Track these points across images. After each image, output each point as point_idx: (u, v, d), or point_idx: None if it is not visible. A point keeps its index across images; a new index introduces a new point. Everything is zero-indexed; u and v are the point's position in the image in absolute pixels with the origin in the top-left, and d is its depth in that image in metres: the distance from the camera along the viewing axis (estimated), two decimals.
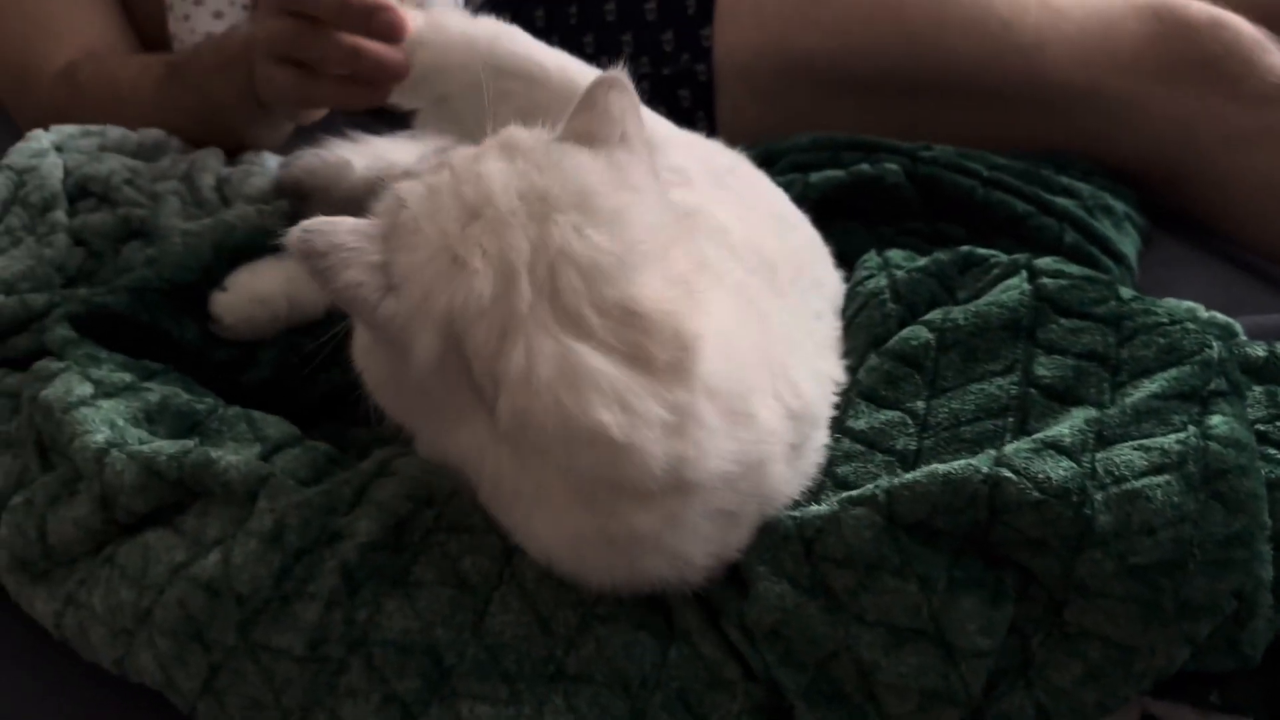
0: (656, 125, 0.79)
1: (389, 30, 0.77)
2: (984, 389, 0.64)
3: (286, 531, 0.59)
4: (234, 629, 0.58)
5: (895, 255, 0.79)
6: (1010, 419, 0.62)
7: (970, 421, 0.63)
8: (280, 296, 0.77)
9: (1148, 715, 0.57)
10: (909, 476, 0.58)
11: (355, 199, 0.71)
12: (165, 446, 0.64)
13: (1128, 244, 0.94)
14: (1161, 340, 0.63)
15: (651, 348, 0.53)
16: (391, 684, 0.56)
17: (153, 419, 0.68)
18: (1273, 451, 0.60)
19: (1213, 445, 0.57)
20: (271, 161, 0.97)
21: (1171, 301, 0.69)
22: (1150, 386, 0.61)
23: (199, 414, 0.69)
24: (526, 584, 0.58)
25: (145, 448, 0.64)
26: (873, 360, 0.68)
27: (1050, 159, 1.02)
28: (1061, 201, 0.93)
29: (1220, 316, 0.68)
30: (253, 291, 0.77)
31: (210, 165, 0.94)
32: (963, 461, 0.58)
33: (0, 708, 0.63)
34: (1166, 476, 0.55)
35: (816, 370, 0.66)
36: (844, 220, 0.91)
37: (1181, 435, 0.57)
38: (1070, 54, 1.01)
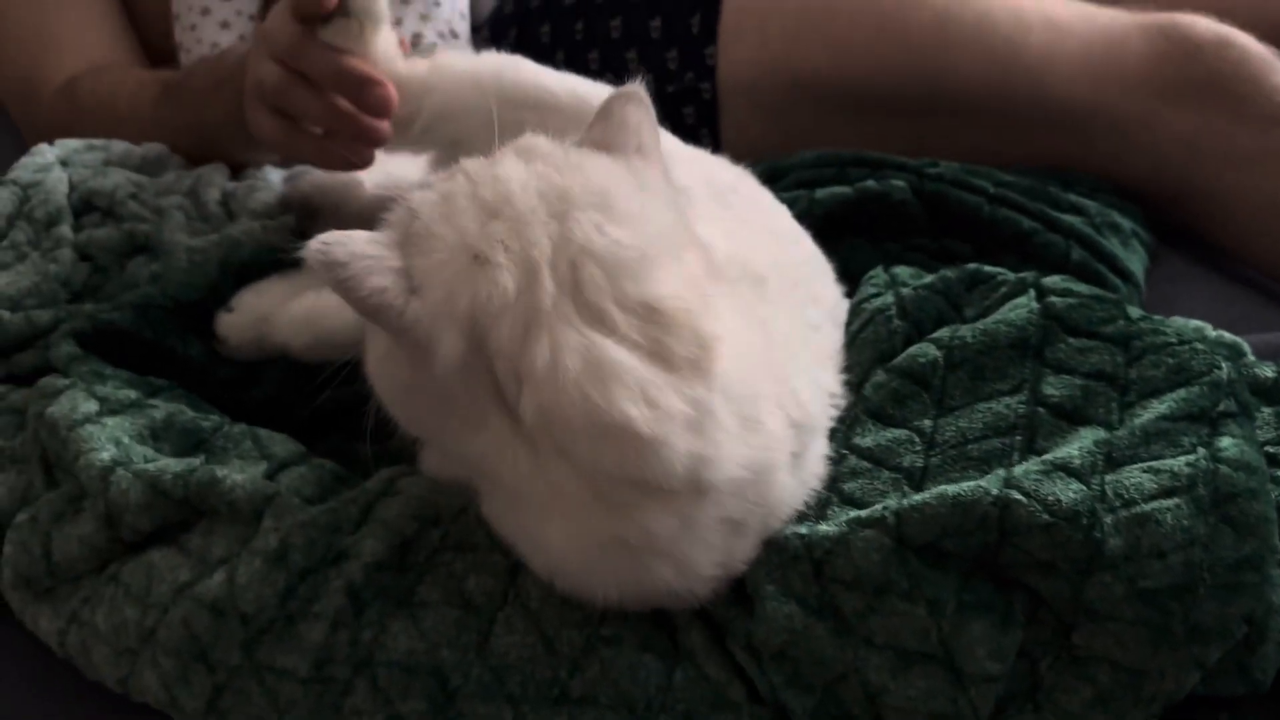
0: (663, 141, 0.79)
1: (379, 106, 0.76)
2: (991, 408, 0.64)
3: (291, 551, 0.59)
4: (238, 649, 0.58)
5: (902, 272, 0.78)
6: (1018, 437, 0.62)
7: (978, 440, 0.63)
8: None
9: None
10: (918, 498, 0.57)
11: (364, 216, 0.71)
12: (170, 465, 0.64)
13: (1135, 261, 0.94)
14: (1170, 360, 0.63)
15: (672, 344, 0.53)
16: (396, 705, 0.56)
17: (158, 436, 0.68)
18: None
19: (1223, 468, 0.56)
20: (275, 176, 0.97)
21: (1179, 321, 0.68)
22: (1159, 407, 0.61)
23: (204, 431, 0.69)
24: (531, 604, 0.58)
25: (150, 466, 0.64)
26: (880, 377, 0.68)
27: (1057, 175, 1.02)
28: (1068, 218, 0.93)
29: (1228, 336, 0.68)
30: (258, 312, 0.77)
31: (215, 180, 0.94)
32: (972, 483, 0.57)
33: None
34: (1176, 500, 0.55)
35: (814, 381, 0.66)
36: (850, 236, 0.91)
37: (1191, 457, 0.57)
38: (1075, 72, 1.01)
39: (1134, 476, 0.57)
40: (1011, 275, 0.73)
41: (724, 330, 0.55)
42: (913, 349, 0.68)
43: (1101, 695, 0.54)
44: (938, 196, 0.93)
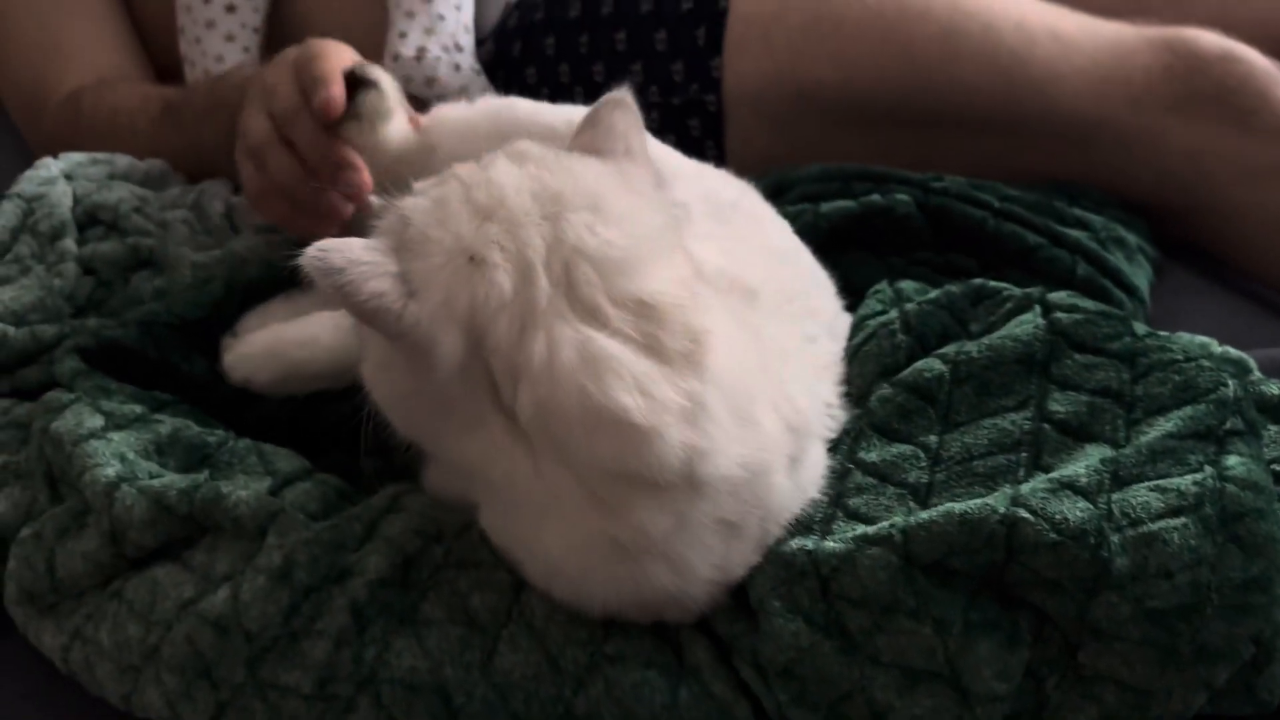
0: (666, 157, 0.79)
1: (350, 190, 0.78)
2: (997, 424, 0.64)
3: (295, 568, 0.59)
4: (242, 666, 0.57)
5: (907, 287, 0.78)
6: (1024, 454, 0.62)
7: (983, 456, 0.62)
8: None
9: None
10: (925, 515, 0.57)
11: (367, 227, 0.72)
12: (176, 481, 0.64)
13: (1140, 277, 0.94)
14: (1176, 378, 0.63)
15: (664, 338, 0.54)
16: None
17: (163, 451, 0.68)
18: None
19: (1230, 488, 0.56)
20: None
21: (1185, 337, 0.68)
22: (1165, 425, 0.60)
23: (209, 446, 0.69)
24: (535, 622, 0.58)
25: (155, 482, 0.64)
26: (885, 390, 0.68)
27: (1062, 190, 1.01)
28: (1074, 233, 0.92)
29: (1234, 352, 0.68)
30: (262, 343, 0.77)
31: (219, 193, 0.94)
32: (979, 501, 0.57)
33: None
34: (1184, 519, 0.55)
35: (810, 389, 0.66)
36: (855, 250, 0.91)
37: (1198, 476, 0.57)
38: (1081, 86, 1.01)
39: (1141, 495, 0.56)
40: (1017, 291, 0.73)
41: (715, 325, 0.56)
42: (919, 364, 0.68)
43: (1108, 715, 0.54)
44: (942, 211, 0.92)
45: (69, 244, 0.85)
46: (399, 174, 0.75)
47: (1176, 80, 0.99)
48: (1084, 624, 0.55)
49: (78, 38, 1.15)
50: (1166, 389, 0.63)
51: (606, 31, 1.09)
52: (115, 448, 0.66)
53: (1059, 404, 0.64)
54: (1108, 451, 0.60)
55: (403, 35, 1.07)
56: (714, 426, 0.54)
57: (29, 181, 0.90)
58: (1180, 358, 0.64)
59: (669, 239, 0.59)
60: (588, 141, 0.62)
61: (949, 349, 0.69)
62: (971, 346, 0.68)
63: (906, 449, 0.64)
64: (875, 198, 0.93)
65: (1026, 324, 0.68)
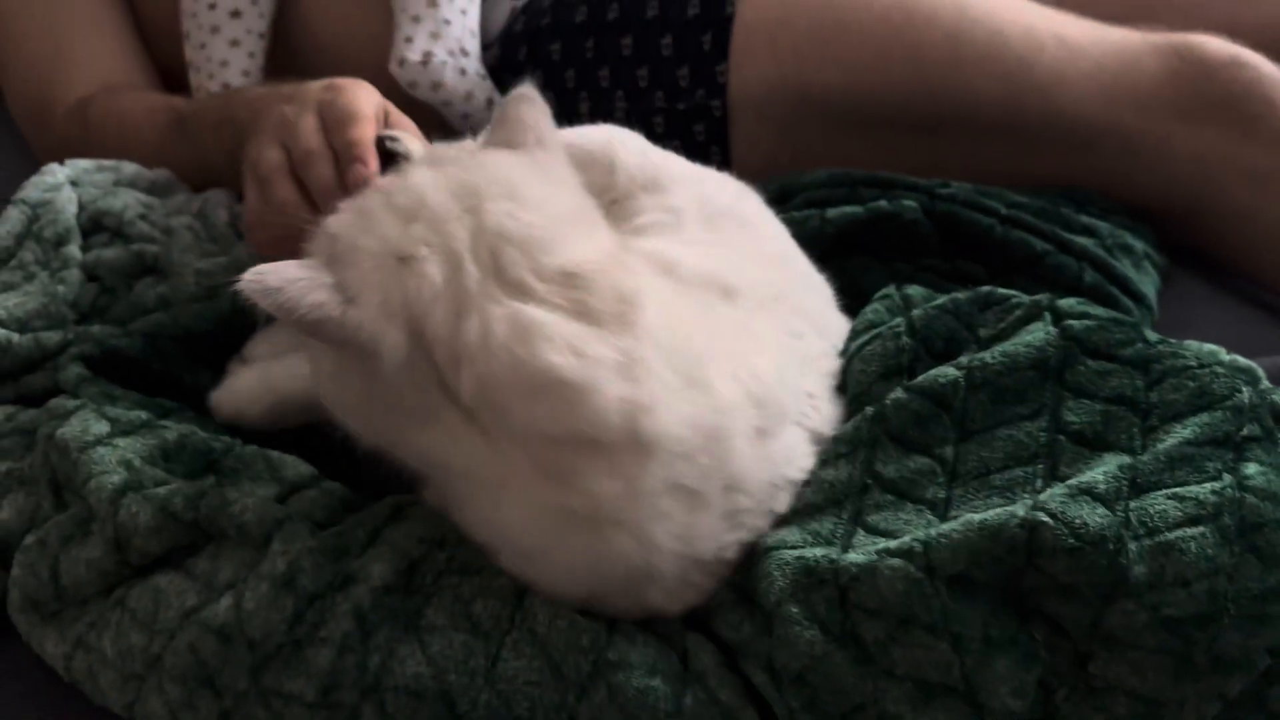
0: (665, 162, 0.79)
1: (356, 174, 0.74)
2: (1012, 435, 0.63)
3: (299, 575, 0.59)
4: (245, 674, 0.57)
5: (915, 293, 0.78)
6: (1040, 465, 0.61)
7: (1000, 470, 0.62)
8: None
9: None
10: (946, 527, 0.57)
11: None
12: (182, 487, 0.64)
13: (1148, 284, 0.93)
14: (1191, 384, 0.63)
15: (593, 302, 0.57)
16: None
17: (170, 456, 0.68)
18: None
19: (1249, 498, 0.56)
20: None
21: (1194, 344, 0.68)
22: (1183, 432, 0.60)
23: (216, 452, 0.69)
24: (538, 628, 0.58)
25: (161, 490, 0.64)
26: (901, 396, 0.67)
27: (1068, 196, 1.01)
28: (1081, 240, 0.92)
29: (1242, 360, 0.67)
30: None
31: (225, 201, 0.94)
32: (999, 510, 0.57)
33: None
34: (1202, 528, 0.55)
35: (784, 372, 0.65)
36: (861, 256, 0.91)
37: (1217, 485, 0.57)
38: (1088, 91, 1.00)
39: (1159, 504, 0.56)
40: (1025, 298, 0.72)
41: (646, 287, 0.58)
42: (934, 370, 0.68)
43: None
44: (949, 217, 0.92)
45: (73, 250, 0.85)
46: None
47: (1183, 86, 0.99)
48: (1097, 632, 0.54)
49: (83, 45, 1.15)
50: (1182, 395, 0.62)
51: (612, 37, 1.09)
52: (121, 454, 0.66)
53: (1073, 413, 0.63)
54: (1125, 459, 0.59)
55: (408, 40, 1.07)
56: (653, 381, 0.56)
57: (34, 187, 0.90)
58: (1194, 364, 0.64)
59: (587, 216, 0.63)
60: (501, 137, 0.65)
61: (963, 359, 0.69)
62: (985, 354, 0.68)
63: (924, 463, 0.64)
64: (882, 203, 0.93)
65: (1038, 331, 0.68)
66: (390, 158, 0.74)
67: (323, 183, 0.74)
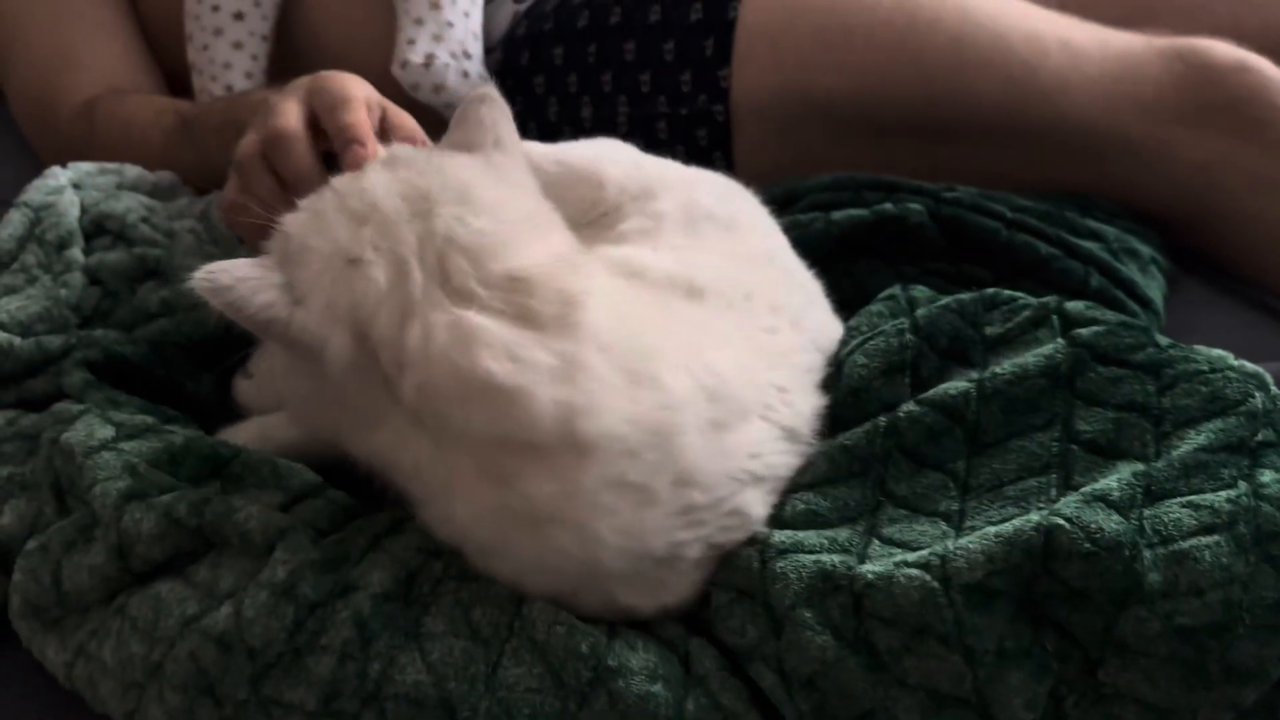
0: (661, 170, 0.79)
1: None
2: (1025, 446, 0.63)
3: (300, 584, 0.59)
4: (246, 683, 0.57)
5: (920, 292, 0.78)
6: (1053, 475, 0.61)
7: (1013, 480, 0.62)
8: None
9: None
10: (964, 540, 0.57)
11: None
12: (186, 494, 0.64)
13: (1154, 288, 0.93)
14: (1204, 389, 0.62)
15: (536, 305, 0.57)
16: None
17: (176, 460, 0.67)
18: None
19: (1265, 506, 0.55)
20: None
21: (1205, 349, 0.67)
22: (1197, 439, 0.60)
23: (223, 457, 0.68)
24: (537, 635, 0.58)
25: (165, 497, 0.63)
26: (913, 409, 0.66)
27: (1074, 200, 1.01)
28: (1087, 245, 0.92)
29: (1249, 366, 0.67)
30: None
31: None
32: (1016, 519, 0.57)
33: None
34: (1216, 537, 0.54)
35: (746, 367, 0.65)
36: (868, 259, 0.91)
37: (1232, 493, 0.56)
38: (1092, 96, 1.00)
39: (1173, 512, 0.56)
40: (1032, 300, 0.72)
41: (594, 288, 0.59)
42: (945, 384, 0.67)
43: None
44: (955, 221, 0.92)
45: (76, 253, 0.85)
46: None
47: (1188, 90, 0.99)
48: (1109, 639, 0.54)
49: (88, 47, 1.15)
50: (1194, 400, 0.62)
51: (615, 41, 1.08)
52: (127, 459, 0.66)
53: (1086, 422, 0.63)
54: (1139, 466, 0.59)
55: (411, 42, 1.07)
56: (593, 383, 0.56)
57: (37, 190, 0.90)
58: (1206, 369, 0.63)
59: (543, 221, 0.63)
60: (460, 138, 0.65)
61: (973, 373, 0.68)
62: (996, 365, 0.67)
63: (936, 478, 0.64)
64: (887, 206, 0.92)
65: (1046, 339, 0.68)
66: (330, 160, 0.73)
67: (293, 167, 0.73)
